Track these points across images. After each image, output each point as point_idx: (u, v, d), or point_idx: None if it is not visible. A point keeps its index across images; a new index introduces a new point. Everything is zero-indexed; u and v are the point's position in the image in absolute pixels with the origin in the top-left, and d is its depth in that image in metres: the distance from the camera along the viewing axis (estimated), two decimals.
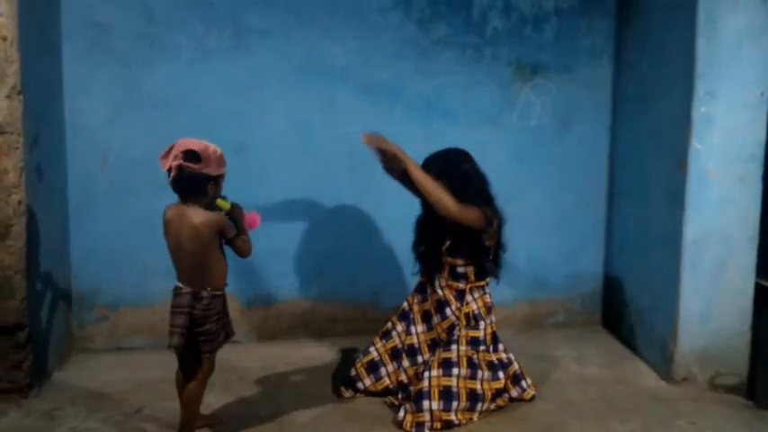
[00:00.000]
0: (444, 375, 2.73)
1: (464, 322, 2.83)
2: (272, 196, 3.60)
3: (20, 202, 2.81)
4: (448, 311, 2.87)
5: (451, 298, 2.87)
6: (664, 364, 3.23)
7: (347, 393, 3.00)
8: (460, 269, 2.87)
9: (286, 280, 3.73)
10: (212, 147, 2.34)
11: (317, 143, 3.65)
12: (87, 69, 3.36)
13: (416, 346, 2.95)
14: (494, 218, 2.78)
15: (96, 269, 3.49)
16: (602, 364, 3.46)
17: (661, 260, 3.29)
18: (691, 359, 3.14)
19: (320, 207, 3.70)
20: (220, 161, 2.36)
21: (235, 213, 2.46)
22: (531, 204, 3.90)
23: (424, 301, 2.98)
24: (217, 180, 2.38)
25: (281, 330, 3.76)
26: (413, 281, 3.09)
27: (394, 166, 2.76)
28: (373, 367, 2.98)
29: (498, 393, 2.86)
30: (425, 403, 2.67)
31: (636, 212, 3.64)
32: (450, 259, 2.86)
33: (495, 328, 2.92)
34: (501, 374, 2.87)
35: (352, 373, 3.01)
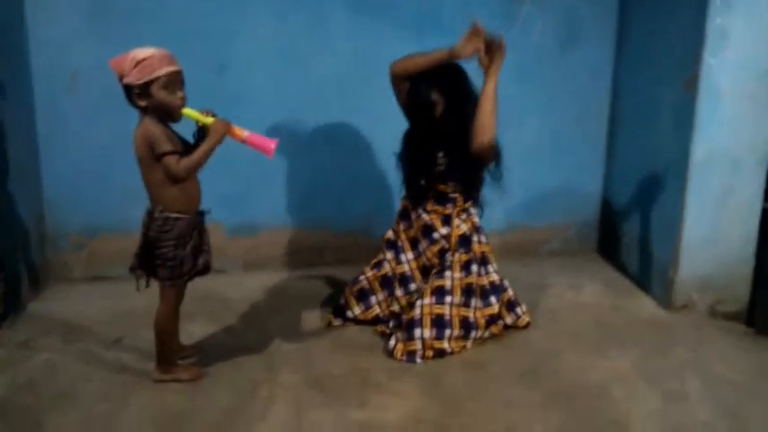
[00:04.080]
0: (437, 303, 2.64)
1: (454, 247, 2.71)
2: (257, 118, 3.34)
3: None
4: (435, 235, 2.74)
5: (438, 222, 2.74)
6: (663, 291, 3.14)
7: (336, 322, 2.91)
8: (450, 194, 2.73)
9: (272, 207, 3.57)
10: (133, 53, 2.10)
11: (304, 61, 3.41)
12: None
13: (408, 273, 2.84)
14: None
15: (71, 193, 3.31)
16: (598, 291, 3.37)
17: (665, 184, 3.15)
18: (691, 286, 3.04)
19: (308, 129, 3.49)
20: (142, 67, 2.08)
21: (211, 128, 2.20)
22: (529, 127, 3.70)
23: (409, 227, 2.84)
24: (145, 89, 2.11)
25: (268, 259, 3.64)
26: None
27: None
28: (363, 295, 2.88)
29: (492, 320, 2.78)
30: (417, 331, 2.58)
31: (639, 136, 3.46)
32: (441, 185, 2.71)
33: (485, 249, 2.81)
34: (493, 299, 2.78)
35: (342, 301, 2.91)
